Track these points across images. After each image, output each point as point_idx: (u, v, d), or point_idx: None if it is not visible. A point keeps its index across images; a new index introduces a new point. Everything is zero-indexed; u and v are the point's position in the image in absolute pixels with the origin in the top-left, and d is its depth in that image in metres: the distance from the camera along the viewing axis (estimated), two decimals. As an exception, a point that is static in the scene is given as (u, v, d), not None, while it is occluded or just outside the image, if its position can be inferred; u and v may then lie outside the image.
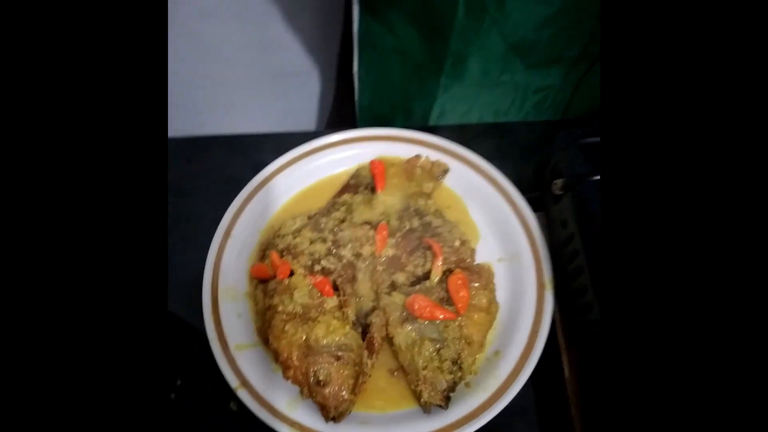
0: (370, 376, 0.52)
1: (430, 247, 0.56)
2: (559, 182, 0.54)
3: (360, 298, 0.56)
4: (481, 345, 0.53)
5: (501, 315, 0.56)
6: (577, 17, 0.65)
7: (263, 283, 0.57)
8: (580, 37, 0.68)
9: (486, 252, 0.60)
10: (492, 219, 0.61)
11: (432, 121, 0.76)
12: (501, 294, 0.57)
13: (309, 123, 1.32)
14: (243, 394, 0.51)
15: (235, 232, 0.60)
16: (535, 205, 0.61)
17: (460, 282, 0.53)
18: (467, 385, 0.52)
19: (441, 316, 0.51)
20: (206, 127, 1.28)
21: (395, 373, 0.53)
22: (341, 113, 0.92)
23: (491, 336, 0.55)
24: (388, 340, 0.53)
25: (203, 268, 0.58)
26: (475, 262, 0.58)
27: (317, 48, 1.19)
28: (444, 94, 0.76)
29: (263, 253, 0.59)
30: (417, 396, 0.50)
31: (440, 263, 0.54)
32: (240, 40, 1.22)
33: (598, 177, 0.50)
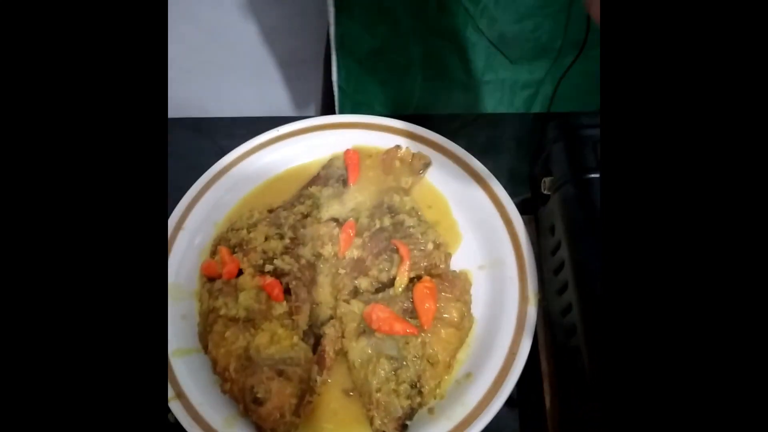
0: (319, 395, 0.46)
1: (397, 250, 0.49)
2: (547, 181, 0.46)
3: (317, 305, 0.50)
4: (449, 366, 0.46)
5: (477, 331, 0.49)
6: (558, 5, 0.60)
7: (211, 281, 0.51)
8: (563, 25, 0.62)
9: (466, 258, 0.53)
10: (475, 221, 0.54)
11: None
12: (479, 307, 0.50)
13: (309, 113, 1.27)
14: (176, 407, 0.45)
15: (188, 224, 0.54)
16: (528, 207, 0.53)
17: (427, 291, 0.46)
18: (431, 411, 0.45)
19: (401, 330, 0.44)
20: (207, 114, 1.25)
21: (351, 394, 0.46)
22: (330, 108, 0.87)
23: (463, 355, 0.48)
24: (344, 354, 0.47)
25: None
26: (453, 269, 0.51)
27: (317, 38, 1.13)
28: (426, 96, 0.71)
29: (215, 248, 0.53)
30: (370, 421, 0.44)
31: (406, 268, 0.48)
32: (241, 27, 1.18)
33: (593, 175, 0.42)
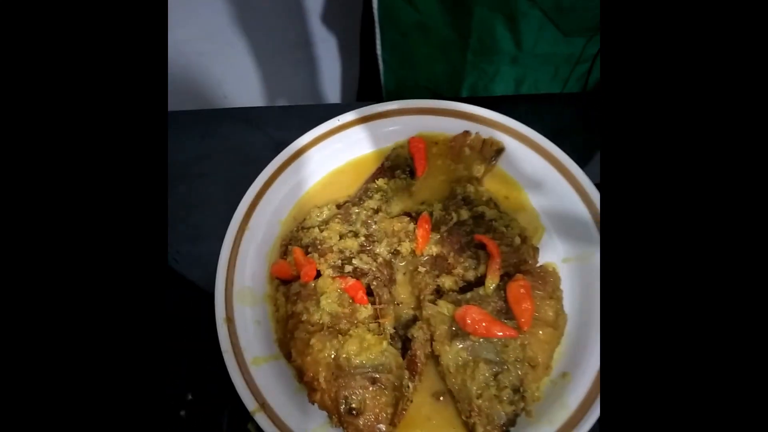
0: (411, 401, 0.44)
1: (483, 246, 0.46)
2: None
3: (399, 305, 0.48)
4: (548, 367, 0.44)
5: (568, 328, 0.46)
6: None
7: (285, 284, 0.48)
8: None
9: (548, 250, 0.50)
10: (557, 211, 0.51)
11: None
12: (568, 302, 0.47)
13: (334, 95, 1.22)
14: (261, 419, 0.43)
15: (252, 222, 0.51)
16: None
17: (522, 291, 0.43)
18: (528, 414, 0.43)
19: (500, 334, 0.42)
20: (226, 100, 1.20)
21: (441, 398, 0.45)
22: (368, 87, 0.83)
23: (557, 353, 0.45)
24: (434, 358, 0.45)
25: (216, 264, 0.50)
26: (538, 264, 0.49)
27: (340, 19, 1.08)
28: (472, 71, 0.68)
29: (285, 248, 0.50)
30: (469, 428, 0.42)
31: (497, 266, 0.45)
32: (259, 7, 1.12)
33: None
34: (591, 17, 0.61)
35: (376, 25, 0.69)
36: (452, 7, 0.64)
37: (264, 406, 0.44)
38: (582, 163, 0.51)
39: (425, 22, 0.67)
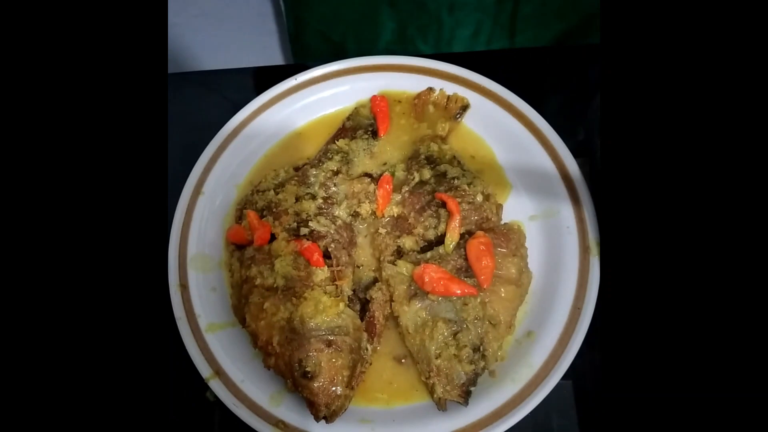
0: (370, 364, 0.42)
1: (444, 204, 0.45)
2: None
3: (359, 267, 0.46)
4: (510, 325, 0.42)
5: (534, 286, 0.45)
6: None
7: (240, 249, 0.47)
8: None
9: (515, 208, 0.48)
10: (523, 167, 0.49)
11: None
12: (534, 261, 0.46)
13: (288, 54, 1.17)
14: (217, 386, 0.42)
15: (207, 188, 0.49)
16: (578, 149, 0.48)
17: (482, 248, 0.42)
18: (492, 374, 0.42)
19: (458, 292, 0.40)
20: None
21: (403, 360, 0.43)
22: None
23: (522, 312, 0.44)
24: (393, 319, 0.43)
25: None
26: (502, 222, 0.47)
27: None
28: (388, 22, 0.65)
29: (240, 212, 0.48)
30: (429, 389, 0.41)
31: (457, 224, 0.43)
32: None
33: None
34: None
35: None
36: None
37: (219, 373, 0.42)
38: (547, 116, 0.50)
39: None
